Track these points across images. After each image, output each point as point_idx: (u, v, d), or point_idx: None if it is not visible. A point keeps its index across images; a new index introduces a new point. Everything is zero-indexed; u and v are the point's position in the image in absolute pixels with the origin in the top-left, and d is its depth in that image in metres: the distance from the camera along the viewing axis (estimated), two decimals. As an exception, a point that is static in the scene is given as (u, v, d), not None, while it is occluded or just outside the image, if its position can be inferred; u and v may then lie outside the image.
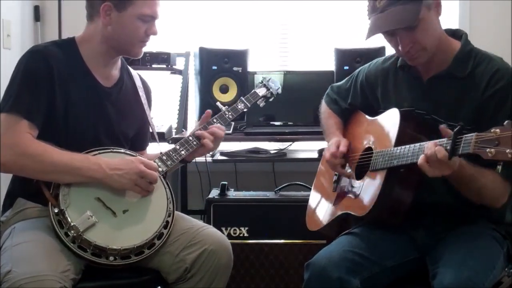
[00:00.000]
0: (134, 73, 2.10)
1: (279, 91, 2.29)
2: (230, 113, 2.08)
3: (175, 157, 1.92)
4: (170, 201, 1.89)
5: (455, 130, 1.50)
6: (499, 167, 1.40)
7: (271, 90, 2.25)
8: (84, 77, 1.89)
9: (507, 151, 1.37)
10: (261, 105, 2.26)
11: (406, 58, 1.81)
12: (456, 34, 1.85)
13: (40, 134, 1.79)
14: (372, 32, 1.75)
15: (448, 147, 1.50)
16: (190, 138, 1.96)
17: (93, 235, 1.72)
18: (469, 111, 1.74)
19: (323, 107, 2.22)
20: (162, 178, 1.89)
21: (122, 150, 1.89)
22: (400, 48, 1.74)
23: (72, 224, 1.71)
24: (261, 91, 2.23)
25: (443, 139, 1.55)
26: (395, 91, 1.92)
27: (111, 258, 1.74)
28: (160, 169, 1.87)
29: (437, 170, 1.56)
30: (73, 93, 1.85)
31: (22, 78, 1.79)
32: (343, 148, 1.93)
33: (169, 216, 1.87)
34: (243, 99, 2.16)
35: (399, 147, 1.71)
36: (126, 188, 1.79)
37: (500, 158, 1.38)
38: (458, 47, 1.80)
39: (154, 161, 1.87)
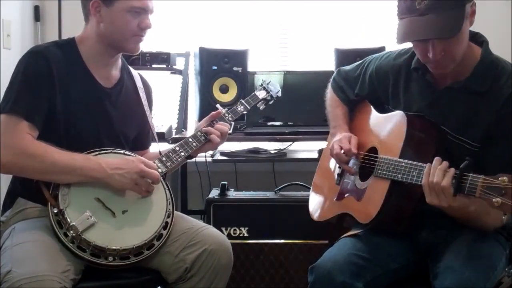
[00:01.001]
0: (135, 73, 2.10)
1: (279, 94, 2.30)
2: (230, 115, 2.09)
3: (174, 158, 1.93)
4: (169, 202, 1.89)
5: (461, 166, 1.48)
6: (504, 218, 1.42)
7: (271, 93, 2.26)
8: (84, 77, 1.89)
9: None
10: (261, 108, 2.27)
11: (432, 66, 1.71)
12: (476, 38, 1.76)
13: (40, 135, 1.79)
14: (409, 37, 1.64)
15: (454, 182, 1.49)
16: (199, 133, 1.98)
17: (92, 235, 1.72)
18: (479, 129, 1.69)
19: (330, 92, 2.18)
20: (162, 179, 1.89)
21: (122, 151, 1.89)
22: (430, 55, 1.63)
23: (71, 224, 1.71)
24: (261, 94, 2.24)
25: (452, 170, 1.53)
26: (405, 92, 1.86)
27: (110, 258, 1.73)
28: (159, 170, 1.87)
29: (436, 199, 1.56)
30: (73, 94, 1.85)
31: (22, 78, 1.78)
32: (355, 149, 1.90)
33: (168, 217, 1.87)
34: (243, 101, 2.17)
35: (404, 161, 1.68)
36: (127, 187, 1.79)
37: (505, 210, 1.38)
38: (479, 55, 1.71)
39: (154, 162, 1.87)
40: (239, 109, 2.14)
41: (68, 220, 1.71)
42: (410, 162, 1.66)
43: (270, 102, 2.28)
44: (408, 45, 1.78)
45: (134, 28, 1.87)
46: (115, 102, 1.96)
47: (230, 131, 2.06)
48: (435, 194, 1.55)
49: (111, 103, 1.95)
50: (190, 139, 1.97)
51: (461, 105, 1.73)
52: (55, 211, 1.73)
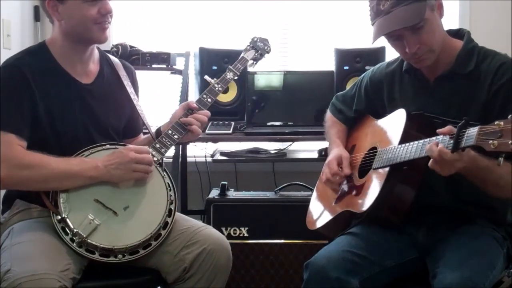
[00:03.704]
0: (116, 61, 2.07)
1: (269, 49, 2.24)
2: (219, 86, 2.06)
3: (168, 142, 1.92)
4: (170, 189, 1.88)
5: (459, 124, 1.50)
6: (501, 159, 1.40)
7: (260, 51, 2.21)
8: (61, 78, 1.88)
9: (509, 142, 1.37)
10: (252, 67, 2.23)
11: (413, 61, 1.80)
12: (459, 33, 1.85)
13: (31, 145, 1.78)
14: (378, 34, 1.74)
15: (452, 141, 1.50)
16: (178, 124, 1.95)
17: (98, 238, 1.73)
18: (478, 108, 1.74)
19: (328, 116, 2.21)
20: (159, 167, 1.89)
21: (114, 145, 1.88)
22: (407, 50, 1.73)
23: (75, 230, 1.72)
24: (250, 55, 2.19)
25: (445, 137, 1.55)
26: (401, 95, 1.91)
27: (120, 256, 1.75)
28: (155, 158, 1.86)
29: (446, 169, 1.55)
30: (54, 98, 1.84)
31: (1, 93, 1.77)
32: (347, 170, 1.92)
33: (171, 204, 1.86)
34: (231, 67, 2.12)
35: (402, 145, 1.71)
36: (126, 178, 1.80)
37: (502, 149, 1.38)
38: (461, 46, 1.80)
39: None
40: (228, 76, 2.09)
41: (72, 226, 1.72)
42: (407, 144, 1.69)
43: (261, 60, 2.23)
44: (397, 54, 1.88)
45: (94, 16, 1.84)
46: (98, 96, 1.95)
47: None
48: (443, 166, 1.55)
49: (93, 98, 1.93)
50: (173, 128, 1.94)
51: (454, 91, 1.78)
52: (58, 218, 1.74)
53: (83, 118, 1.90)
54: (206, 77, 2.10)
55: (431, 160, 1.57)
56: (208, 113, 2.01)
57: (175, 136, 1.93)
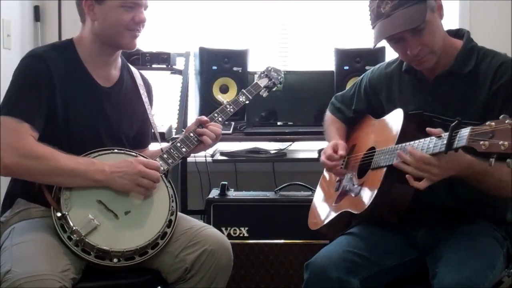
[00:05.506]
0: (135, 71, 2.10)
1: (282, 80, 2.27)
2: (231, 107, 2.08)
3: (176, 154, 1.92)
4: (172, 200, 1.89)
5: (452, 125, 1.50)
6: (492, 160, 1.40)
7: (273, 80, 2.23)
8: (82, 78, 1.89)
9: (500, 142, 1.37)
10: (264, 95, 2.25)
11: (415, 63, 1.80)
12: (458, 33, 1.85)
13: (42, 137, 1.78)
14: (380, 37, 1.74)
15: (445, 142, 1.51)
16: (191, 135, 1.97)
17: (96, 238, 1.72)
18: (477, 108, 1.74)
19: (327, 115, 2.21)
20: (164, 177, 1.89)
21: (123, 151, 1.88)
22: (409, 52, 1.73)
23: (74, 228, 1.71)
24: (263, 82, 2.22)
25: (433, 137, 1.56)
26: (400, 95, 1.91)
27: (115, 260, 1.74)
28: (161, 168, 1.86)
29: (427, 178, 1.57)
30: (72, 96, 1.85)
31: (22, 81, 1.79)
32: (342, 151, 1.93)
33: (172, 214, 1.87)
34: (244, 91, 2.15)
35: (399, 145, 1.71)
36: (128, 188, 1.79)
37: (493, 150, 1.38)
38: (460, 45, 1.80)
39: (155, 160, 1.87)
40: (240, 99, 2.12)
41: (71, 224, 1.72)
42: (405, 144, 1.68)
43: (274, 89, 2.26)
44: (397, 55, 1.88)
45: (128, 22, 1.86)
46: (114, 101, 1.96)
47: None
48: (422, 173, 1.57)
49: (110, 103, 1.94)
50: (191, 135, 1.96)
51: (453, 91, 1.79)
52: (59, 215, 1.73)
53: (96, 120, 1.91)
54: (219, 97, 2.13)
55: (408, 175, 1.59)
56: (220, 126, 2.03)
57: (183, 149, 1.94)
